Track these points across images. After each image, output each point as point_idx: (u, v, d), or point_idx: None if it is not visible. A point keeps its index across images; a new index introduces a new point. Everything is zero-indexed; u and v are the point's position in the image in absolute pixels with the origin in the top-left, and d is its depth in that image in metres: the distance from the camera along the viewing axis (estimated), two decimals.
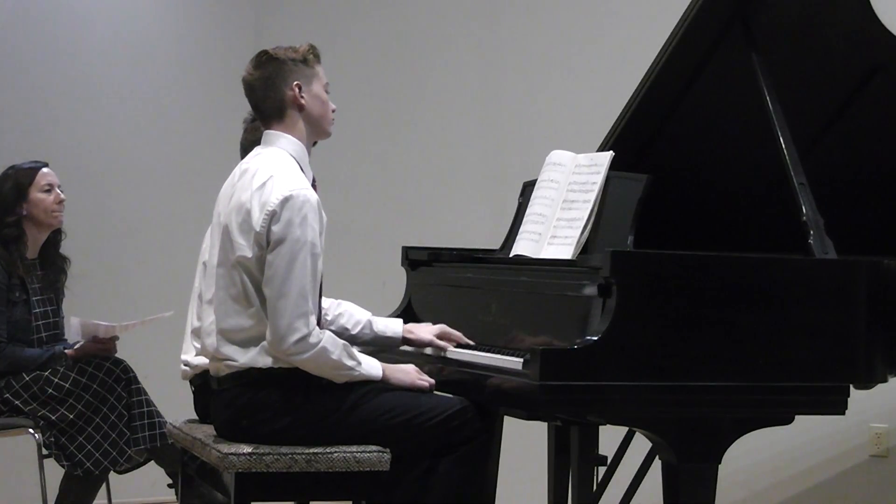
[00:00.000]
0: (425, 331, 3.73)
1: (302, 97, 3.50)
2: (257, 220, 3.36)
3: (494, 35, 5.77)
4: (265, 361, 3.39)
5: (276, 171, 3.41)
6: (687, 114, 3.92)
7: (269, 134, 3.54)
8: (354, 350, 3.45)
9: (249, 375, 3.40)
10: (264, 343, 3.38)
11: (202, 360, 3.97)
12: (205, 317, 3.53)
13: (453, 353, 3.64)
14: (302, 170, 3.48)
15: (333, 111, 3.58)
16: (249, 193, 3.40)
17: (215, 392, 3.50)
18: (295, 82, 3.49)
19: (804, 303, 3.31)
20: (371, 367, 3.46)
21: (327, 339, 3.37)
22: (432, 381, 3.53)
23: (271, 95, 3.49)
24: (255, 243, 3.36)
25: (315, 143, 3.65)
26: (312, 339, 3.33)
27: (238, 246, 3.39)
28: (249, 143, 4.11)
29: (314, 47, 3.55)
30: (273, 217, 3.34)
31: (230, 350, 3.41)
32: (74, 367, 4.53)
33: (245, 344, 3.40)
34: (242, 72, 3.56)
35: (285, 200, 3.34)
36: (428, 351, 3.73)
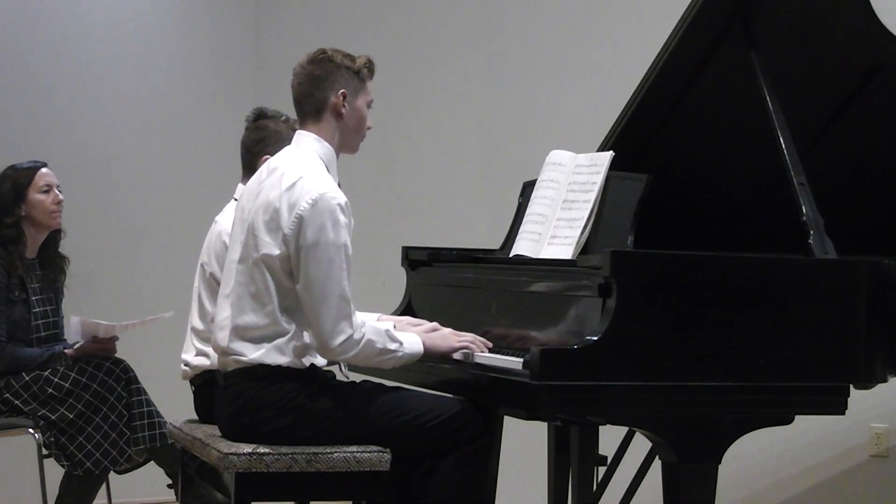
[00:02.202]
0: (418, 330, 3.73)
1: (344, 106, 3.50)
2: (286, 221, 3.37)
3: (495, 35, 5.77)
4: (274, 359, 3.39)
5: (305, 172, 3.41)
6: (687, 114, 3.92)
7: (302, 134, 3.54)
8: (395, 332, 3.48)
9: (256, 372, 3.40)
10: (278, 342, 3.39)
11: (202, 361, 3.97)
12: (220, 310, 3.53)
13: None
14: (329, 173, 3.48)
15: (369, 128, 3.59)
16: (278, 192, 3.40)
17: (221, 387, 3.51)
18: (341, 90, 3.49)
19: (804, 303, 3.31)
20: (412, 343, 3.48)
21: (369, 331, 3.40)
22: (471, 339, 3.52)
23: (315, 94, 3.50)
24: (282, 243, 3.37)
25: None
26: (356, 336, 3.37)
27: (264, 243, 3.39)
28: (251, 142, 4.12)
29: (371, 62, 3.57)
30: (303, 221, 3.35)
31: (241, 346, 3.42)
32: (74, 367, 4.53)
33: (257, 341, 3.41)
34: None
35: (315, 203, 3.35)
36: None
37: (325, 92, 3.49)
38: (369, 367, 3.50)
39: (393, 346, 3.44)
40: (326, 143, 3.52)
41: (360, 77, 3.53)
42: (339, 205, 3.37)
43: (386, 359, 3.44)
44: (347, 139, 3.55)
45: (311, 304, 3.37)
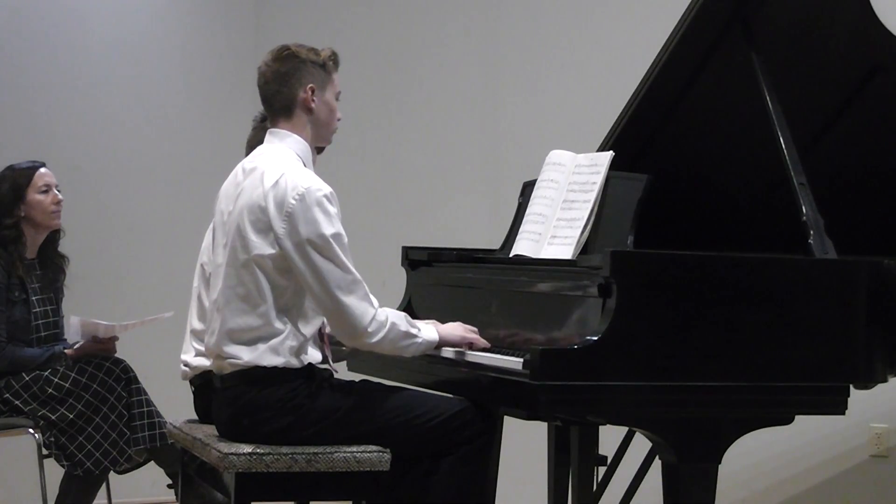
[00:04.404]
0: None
1: (313, 101, 3.50)
2: (276, 220, 3.37)
3: (494, 35, 5.77)
4: (270, 360, 3.39)
5: (286, 169, 3.41)
6: (687, 114, 3.92)
7: (275, 132, 3.54)
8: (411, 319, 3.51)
9: (253, 374, 3.40)
10: (272, 342, 3.39)
11: (202, 361, 3.96)
12: (209, 316, 3.53)
13: (453, 352, 3.64)
14: (307, 168, 3.49)
15: (339, 120, 3.59)
16: (262, 192, 3.40)
17: (218, 390, 3.50)
18: (309, 85, 3.49)
19: (804, 303, 3.31)
20: (429, 332, 3.51)
21: (391, 314, 3.43)
22: (478, 339, 3.56)
23: (283, 91, 3.50)
24: (274, 242, 3.37)
25: (321, 150, 3.66)
26: (380, 317, 3.39)
27: (254, 244, 3.39)
28: (257, 141, 4.11)
29: (336, 54, 3.56)
30: (293, 218, 3.35)
31: (235, 349, 3.41)
32: (74, 367, 4.53)
33: (252, 343, 3.40)
34: (259, 63, 3.55)
35: (302, 198, 3.35)
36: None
37: (294, 88, 3.49)
38: (393, 353, 3.47)
39: (414, 330, 3.47)
40: (300, 139, 3.52)
41: (326, 69, 3.53)
42: (325, 196, 3.38)
43: (408, 343, 3.45)
44: (319, 132, 3.56)
45: (326, 298, 3.36)
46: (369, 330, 3.38)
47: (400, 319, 3.44)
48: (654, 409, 3.19)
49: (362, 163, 6.06)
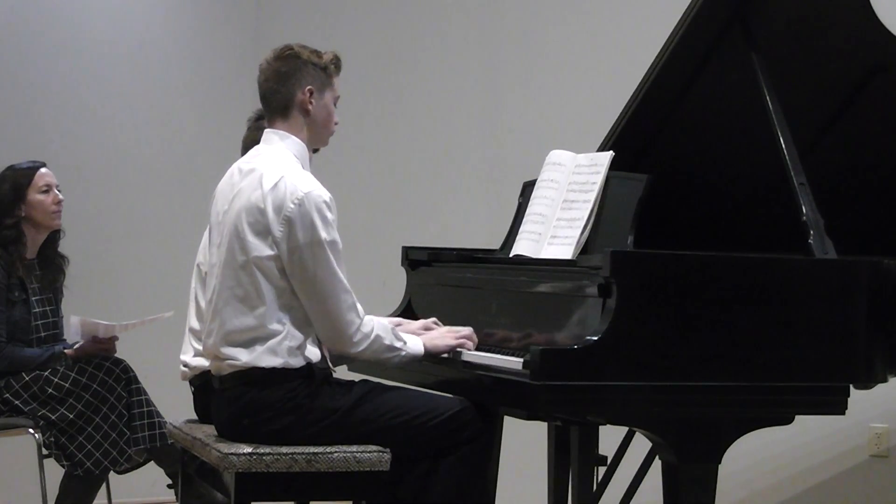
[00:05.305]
0: (413, 328, 3.74)
1: (311, 103, 3.49)
2: (274, 221, 3.36)
3: (494, 35, 5.77)
4: (269, 361, 3.39)
5: (285, 172, 3.41)
6: (687, 114, 3.92)
7: (272, 133, 3.53)
8: (399, 331, 3.51)
9: (252, 375, 3.39)
10: (270, 343, 3.39)
11: (201, 361, 3.96)
12: (205, 317, 3.53)
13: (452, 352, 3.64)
14: (304, 170, 3.48)
15: (336, 124, 3.58)
16: (260, 194, 3.39)
17: (217, 391, 3.50)
18: (308, 87, 3.48)
19: (804, 303, 3.31)
20: (414, 345, 3.52)
21: (377, 326, 3.43)
22: (468, 333, 3.57)
23: (282, 91, 3.49)
24: (272, 244, 3.37)
25: (317, 150, 3.66)
26: (365, 328, 3.40)
27: (253, 246, 3.38)
28: (251, 141, 4.11)
29: (338, 59, 3.55)
30: (292, 222, 3.35)
31: (233, 350, 3.41)
32: (74, 367, 4.53)
33: (250, 344, 3.40)
34: (261, 60, 3.54)
35: (301, 202, 3.35)
36: None
37: (292, 88, 3.49)
38: (376, 362, 3.51)
39: (398, 343, 3.47)
40: (298, 140, 3.51)
41: (327, 73, 3.52)
42: (325, 202, 3.38)
43: (391, 356, 3.46)
44: (316, 135, 3.55)
45: (315, 303, 3.37)
46: (353, 340, 3.39)
47: (385, 332, 3.45)
48: (654, 409, 3.19)
49: (362, 163, 6.06)
